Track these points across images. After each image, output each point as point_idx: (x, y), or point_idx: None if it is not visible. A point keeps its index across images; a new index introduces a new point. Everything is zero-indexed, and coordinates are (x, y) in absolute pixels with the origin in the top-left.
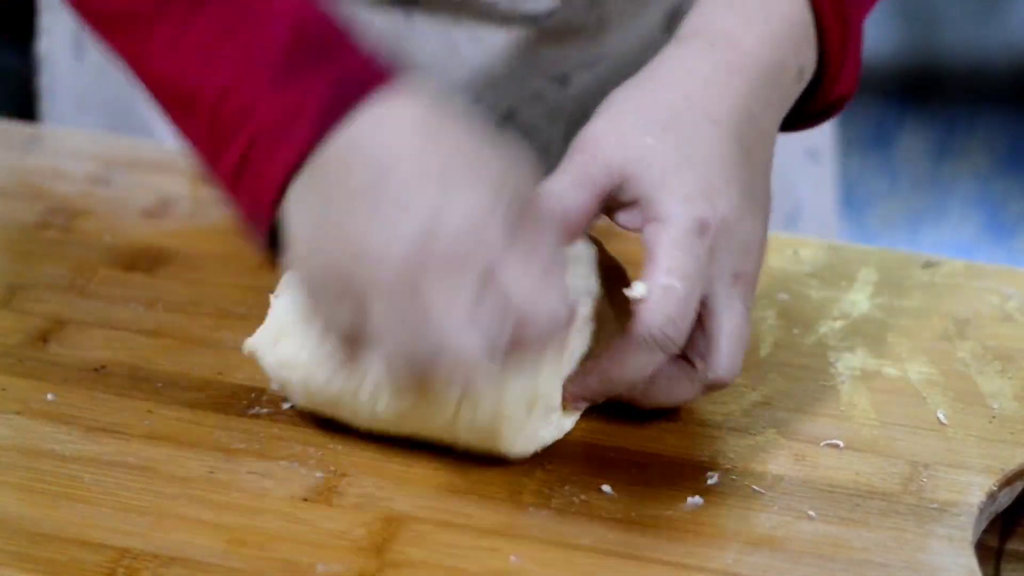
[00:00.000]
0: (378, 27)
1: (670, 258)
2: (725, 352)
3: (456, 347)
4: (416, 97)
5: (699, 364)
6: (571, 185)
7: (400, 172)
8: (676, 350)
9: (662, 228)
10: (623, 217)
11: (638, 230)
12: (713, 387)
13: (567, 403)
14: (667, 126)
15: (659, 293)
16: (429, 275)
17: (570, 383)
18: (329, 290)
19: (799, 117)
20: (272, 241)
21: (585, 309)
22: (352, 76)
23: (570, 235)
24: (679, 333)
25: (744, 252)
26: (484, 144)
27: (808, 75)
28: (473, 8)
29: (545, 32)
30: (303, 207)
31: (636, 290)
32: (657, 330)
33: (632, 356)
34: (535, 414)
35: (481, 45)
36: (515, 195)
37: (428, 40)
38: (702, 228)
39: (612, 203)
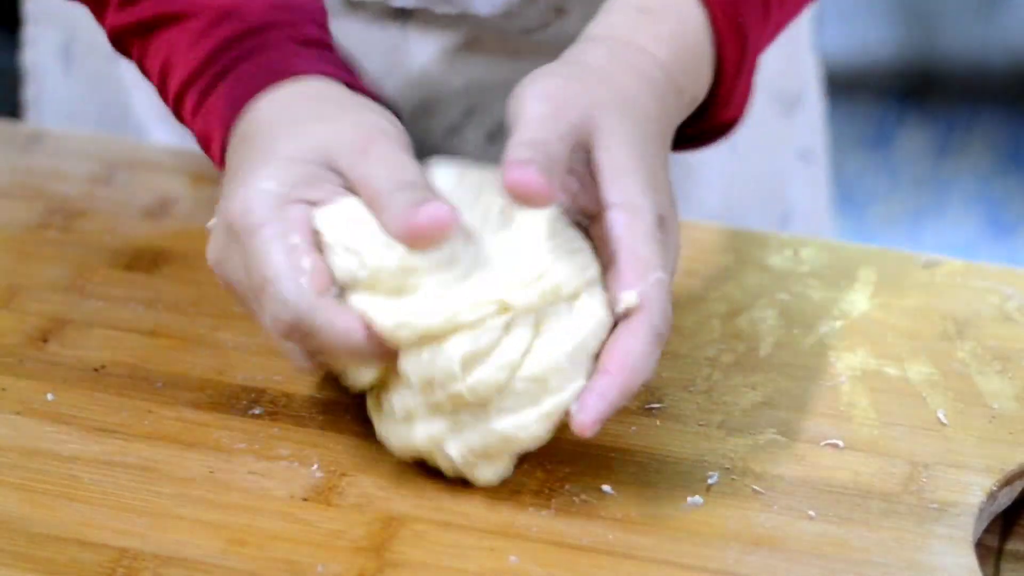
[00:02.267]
0: (373, 39)
1: (649, 251)
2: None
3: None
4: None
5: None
6: (554, 138)
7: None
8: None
9: (632, 219)
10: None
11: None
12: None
13: (587, 429)
14: (621, 108)
15: (655, 290)
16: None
17: (586, 410)
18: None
19: (683, 138)
20: None
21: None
22: (245, 87)
23: (558, 186)
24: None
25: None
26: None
27: (697, 103)
28: (469, 21)
29: (539, 45)
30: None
31: (629, 299)
32: (662, 324)
33: (646, 358)
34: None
35: (476, 57)
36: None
37: (423, 51)
38: (661, 221)
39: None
